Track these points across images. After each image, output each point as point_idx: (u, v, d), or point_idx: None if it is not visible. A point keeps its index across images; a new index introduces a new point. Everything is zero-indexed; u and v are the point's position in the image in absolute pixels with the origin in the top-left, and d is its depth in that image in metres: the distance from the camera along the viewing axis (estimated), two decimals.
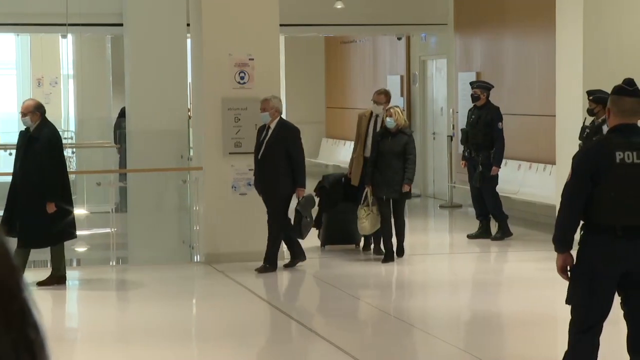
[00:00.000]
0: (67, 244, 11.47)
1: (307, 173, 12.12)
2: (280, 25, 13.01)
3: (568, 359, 6.30)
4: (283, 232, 11.85)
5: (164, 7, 15.69)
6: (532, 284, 11.13)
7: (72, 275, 12.25)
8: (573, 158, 6.33)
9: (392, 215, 12.45)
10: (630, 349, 6.28)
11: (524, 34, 16.44)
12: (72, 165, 20.78)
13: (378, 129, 12.73)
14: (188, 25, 14.24)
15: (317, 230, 13.44)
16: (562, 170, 11.54)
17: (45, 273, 11.34)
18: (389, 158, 12.28)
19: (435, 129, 19.61)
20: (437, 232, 16.78)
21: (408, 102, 20.15)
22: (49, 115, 11.59)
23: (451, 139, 18.18)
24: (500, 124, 14.06)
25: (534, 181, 15.71)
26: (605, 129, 9.40)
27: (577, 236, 6.27)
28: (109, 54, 21.49)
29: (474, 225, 14.45)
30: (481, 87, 14.38)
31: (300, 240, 12.16)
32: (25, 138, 11.04)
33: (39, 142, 10.85)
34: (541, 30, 15.66)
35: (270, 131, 11.74)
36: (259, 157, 11.74)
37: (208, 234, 12.68)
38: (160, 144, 15.56)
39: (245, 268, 11.91)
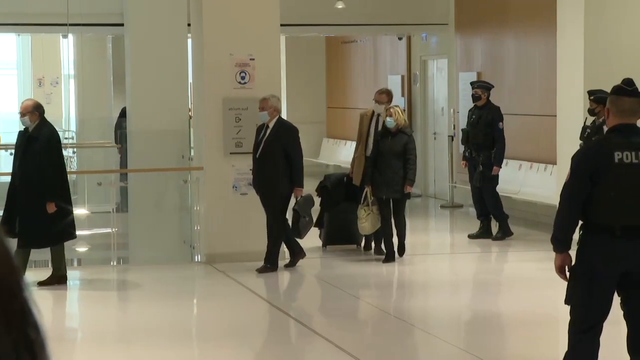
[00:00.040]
0: (67, 244, 11.48)
1: (308, 173, 12.14)
2: (281, 25, 13.01)
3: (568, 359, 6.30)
4: (284, 232, 11.85)
5: (164, 7, 15.69)
6: (533, 284, 11.13)
7: (73, 275, 12.26)
8: (572, 158, 6.33)
9: (392, 215, 12.44)
10: (630, 349, 6.28)
11: (524, 34, 16.43)
12: (73, 165, 20.79)
13: (380, 128, 12.72)
14: (189, 25, 14.25)
15: (319, 230, 13.44)
16: (563, 170, 11.53)
17: (46, 273, 11.34)
18: (388, 158, 12.28)
19: (436, 129, 19.61)
20: (438, 232, 16.78)
21: (409, 102, 20.14)
22: (50, 115, 11.59)
23: (452, 139, 18.18)
24: (501, 123, 14.06)
25: (535, 181, 15.70)
26: (606, 129, 9.39)
27: (576, 236, 6.27)
28: (110, 54, 21.48)
29: (475, 225, 14.45)
30: (482, 87, 14.38)
31: (300, 240, 12.16)
32: (24, 138, 11.04)
33: (38, 142, 10.85)
34: (542, 30, 15.65)
35: (268, 130, 11.74)
36: (257, 156, 11.74)
37: (209, 234, 12.68)
38: (161, 144, 15.56)
39: (246, 268, 11.91)
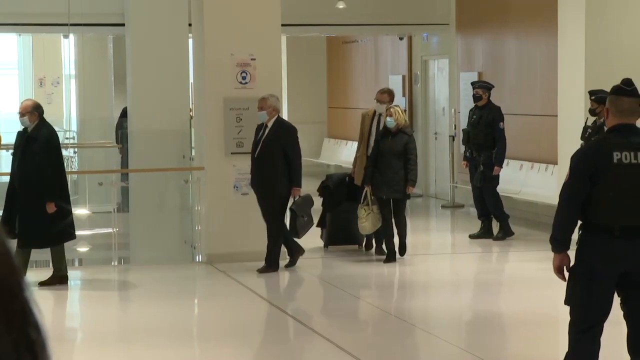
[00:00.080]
0: (68, 244, 11.48)
1: (308, 173, 12.14)
2: (282, 25, 13.02)
3: None
4: (282, 232, 11.84)
5: (165, 7, 15.69)
6: (534, 284, 11.13)
7: (74, 275, 12.26)
8: (571, 158, 6.33)
9: (392, 215, 12.44)
10: (631, 349, 6.28)
11: (525, 34, 16.43)
12: (74, 165, 20.79)
13: (381, 128, 12.72)
14: (190, 25, 14.25)
15: (321, 230, 13.44)
16: (564, 171, 11.51)
17: (47, 273, 11.34)
18: (389, 158, 12.27)
19: (437, 129, 19.61)
20: (438, 232, 16.78)
21: (410, 102, 20.14)
22: (51, 115, 11.60)
23: (453, 139, 18.18)
24: (501, 123, 14.07)
25: (536, 181, 15.70)
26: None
27: (575, 236, 6.27)
28: (111, 54, 21.48)
29: (476, 225, 14.45)
30: (483, 87, 14.38)
31: (302, 241, 12.15)
32: (24, 138, 11.04)
33: (37, 142, 10.85)
34: (543, 30, 15.65)
35: (267, 130, 11.74)
36: (256, 155, 11.74)
37: (210, 234, 12.68)
38: (162, 144, 15.56)
39: (247, 268, 11.91)
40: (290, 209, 11.81)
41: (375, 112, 13.01)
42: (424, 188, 19.47)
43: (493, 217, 14.20)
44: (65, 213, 11.00)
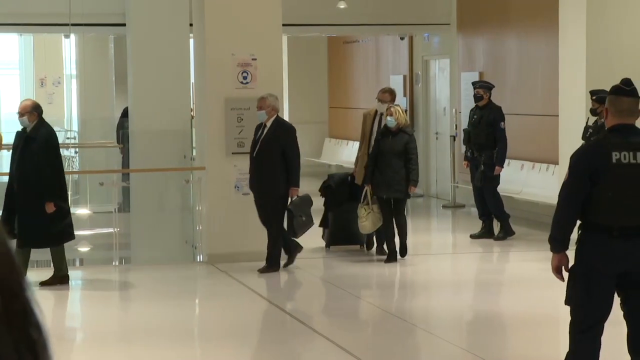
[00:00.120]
0: (69, 243, 11.47)
1: (310, 173, 12.13)
2: (283, 25, 13.02)
3: None
4: (281, 232, 11.82)
5: (166, 7, 15.69)
6: (535, 284, 11.12)
7: (75, 275, 12.26)
8: (570, 158, 6.33)
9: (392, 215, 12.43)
10: (631, 349, 6.28)
11: (526, 34, 16.43)
12: (75, 165, 20.79)
13: (382, 127, 12.71)
14: (191, 25, 14.25)
15: (323, 230, 13.43)
16: (565, 170, 11.52)
17: (48, 273, 11.34)
18: (389, 157, 12.26)
19: (438, 129, 19.61)
20: (439, 232, 16.78)
21: (411, 102, 20.14)
22: (52, 116, 11.61)
23: (454, 139, 18.18)
24: (502, 123, 14.07)
25: (537, 181, 15.70)
26: None
27: (574, 236, 6.26)
28: (112, 54, 21.49)
29: (477, 225, 14.45)
30: (483, 87, 14.39)
31: (304, 241, 12.14)
32: (22, 138, 11.04)
33: (36, 142, 10.85)
34: (544, 30, 15.65)
35: (266, 129, 11.73)
36: (254, 155, 11.74)
37: (211, 234, 12.68)
38: (162, 144, 15.57)
39: (248, 268, 11.91)
40: (287, 208, 11.78)
41: (376, 111, 13.00)
42: (425, 188, 19.47)
43: (494, 217, 14.21)
44: (64, 213, 11.00)
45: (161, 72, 15.54)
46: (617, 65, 12.45)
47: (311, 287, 11.95)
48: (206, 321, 10.29)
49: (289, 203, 11.79)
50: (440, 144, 19.46)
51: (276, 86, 12.61)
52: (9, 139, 21.29)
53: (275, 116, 11.77)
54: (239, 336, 9.27)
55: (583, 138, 11.84)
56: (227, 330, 9.47)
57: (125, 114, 18.16)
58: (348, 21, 18.61)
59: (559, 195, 6.25)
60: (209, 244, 12.70)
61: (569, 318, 6.28)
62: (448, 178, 18.47)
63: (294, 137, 11.84)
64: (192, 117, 15.46)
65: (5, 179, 11.55)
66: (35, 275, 11.38)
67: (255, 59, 12.59)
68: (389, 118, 12.33)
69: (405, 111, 12.90)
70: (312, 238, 12.78)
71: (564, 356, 6.36)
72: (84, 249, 14.82)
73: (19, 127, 11.38)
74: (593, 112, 12.04)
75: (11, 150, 11.32)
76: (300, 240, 12.11)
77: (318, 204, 13.45)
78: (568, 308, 6.24)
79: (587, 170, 6.08)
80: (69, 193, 17.71)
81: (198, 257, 13.42)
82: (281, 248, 11.94)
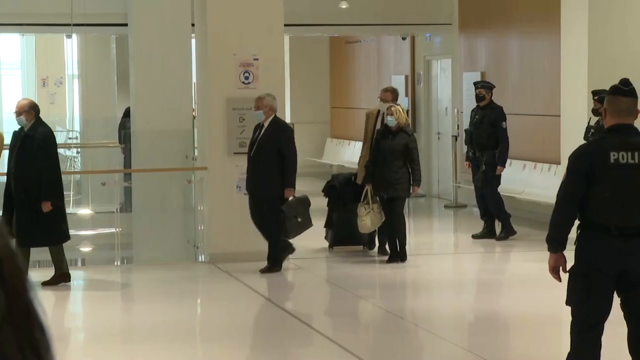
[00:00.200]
0: (71, 243, 11.48)
1: (311, 173, 12.11)
2: (285, 25, 13.02)
3: None
4: (279, 231, 11.76)
5: (168, 7, 15.69)
6: (537, 284, 11.11)
7: (77, 275, 12.27)
8: (569, 158, 6.33)
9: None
10: (632, 350, 6.28)
11: (528, 34, 16.43)
12: (77, 165, 20.80)
13: (381, 126, 12.70)
14: (193, 25, 14.25)
15: (326, 231, 13.41)
16: None
17: (50, 273, 11.35)
18: (389, 157, 12.25)
19: (439, 129, 19.61)
20: (441, 232, 16.78)
21: (412, 102, 20.15)
22: (54, 116, 11.62)
23: (456, 139, 18.18)
24: (504, 123, 14.07)
25: (539, 181, 15.70)
26: None
27: (573, 236, 6.26)
28: (114, 54, 21.50)
29: (479, 226, 14.45)
30: (485, 87, 14.39)
31: (306, 242, 12.13)
32: (20, 137, 11.04)
33: (34, 141, 10.85)
34: (546, 30, 15.65)
35: (263, 130, 11.72)
36: (251, 155, 11.73)
37: (212, 234, 12.69)
38: (164, 144, 15.57)
39: (250, 268, 11.91)
40: (280, 209, 11.70)
41: (379, 111, 13.01)
42: (427, 188, 19.46)
43: (495, 217, 14.21)
44: (61, 212, 10.99)
45: (163, 72, 15.54)
46: (619, 65, 12.45)
47: (313, 288, 11.95)
48: (208, 321, 10.29)
49: (284, 204, 11.74)
50: (442, 144, 19.46)
51: (278, 86, 12.61)
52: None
53: (273, 116, 11.75)
54: (240, 336, 9.27)
55: (585, 138, 11.84)
56: (228, 330, 9.47)
57: (127, 114, 18.17)
58: (350, 21, 18.62)
59: (557, 195, 6.25)
60: (210, 243, 12.71)
61: (570, 318, 6.28)
62: (450, 178, 18.48)
63: (291, 137, 11.82)
64: (194, 117, 15.47)
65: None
66: (37, 275, 11.38)
67: (257, 59, 12.59)
68: (389, 117, 12.33)
69: (407, 111, 12.90)
70: (315, 239, 12.77)
71: (565, 356, 6.36)
72: (86, 249, 14.82)
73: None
74: (595, 112, 12.04)
75: (8, 150, 11.30)
76: (301, 241, 12.10)
77: (321, 204, 13.45)
78: (569, 308, 6.24)
79: (585, 170, 6.08)
80: (71, 193, 17.77)
81: (200, 257, 13.42)
82: (288, 246, 11.91)
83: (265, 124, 11.71)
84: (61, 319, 10.32)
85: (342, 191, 13.24)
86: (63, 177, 11.34)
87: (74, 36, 20.22)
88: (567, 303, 6.20)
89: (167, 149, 15.52)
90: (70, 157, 21.67)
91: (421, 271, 12.36)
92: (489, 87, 14.41)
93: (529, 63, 16.40)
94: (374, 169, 12.34)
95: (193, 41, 14.95)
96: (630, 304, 6.17)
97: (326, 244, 13.43)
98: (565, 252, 6.22)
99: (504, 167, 14.12)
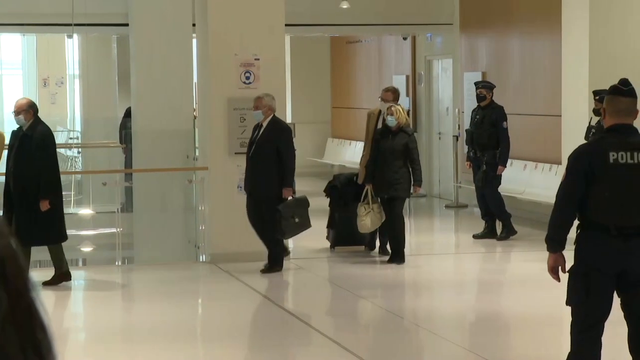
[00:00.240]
0: (71, 243, 11.47)
1: (312, 173, 12.11)
2: (286, 25, 13.02)
3: None
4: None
5: (169, 7, 15.69)
6: (538, 284, 11.11)
7: (78, 275, 12.27)
8: (568, 157, 6.33)
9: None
10: (633, 350, 6.28)
11: (529, 34, 16.43)
12: (77, 165, 20.80)
13: (381, 126, 12.70)
14: (194, 25, 14.25)
15: (328, 231, 13.41)
16: None
17: (51, 273, 11.35)
18: (389, 157, 12.25)
19: (440, 129, 19.61)
20: (442, 232, 16.78)
21: (413, 102, 20.15)
22: (55, 115, 11.63)
23: (457, 139, 18.18)
24: (504, 123, 14.08)
25: (540, 181, 15.70)
26: None
27: (572, 236, 6.26)
28: (115, 54, 21.51)
29: (480, 225, 14.45)
30: (486, 87, 14.40)
31: (307, 241, 12.13)
32: (18, 137, 11.04)
33: (32, 140, 10.85)
34: (547, 30, 15.65)
35: (262, 129, 11.72)
36: (250, 155, 11.73)
37: (213, 234, 12.69)
38: (165, 144, 15.57)
39: (251, 268, 11.91)
40: (276, 209, 11.68)
41: (380, 111, 13.01)
42: (428, 188, 19.46)
43: (495, 216, 14.21)
44: (59, 212, 10.99)
45: (164, 72, 15.54)
46: (620, 64, 12.45)
47: (313, 287, 11.95)
48: (209, 321, 10.30)
49: (280, 204, 11.70)
50: (442, 144, 19.46)
51: (279, 86, 12.61)
52: None
53: (271, 116, 11.75)
54: (241, 336, 9.28)
55: (586, 138, 11.84)
56: (229, 330, 9.47)
57: (128, 113, 18.17)
58: (351, 21, 18.62)
59: (556, 195, 6.26)
60: (211, 243, 12.71)
61: (570, 318, 6.28)
62: (451, 178, 18.48)
63: (290, 137, 11.82)
64: (195, 117, 15.47)
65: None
66: (38, 275, 11.38)
67: (258, 59, 12.59)
68: (389, 117, 12.33)
69: (408, 111, 12.90)
70: (317, 239, 12.77)
71: (565, 356, 6.36)
72: (86, 248, 14.83)
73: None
74: (596, 112, 12.04)
75: (7, 149, 11.30)
76: (302, 241, 12.11)
77: (322, 204, 13.45)
78: (569, 308, 6.25)
79: (584, 170, 6.08)
80: (72, 193, 17.78)
81: (201, 257, 13.42)
82: (282, 247, 11.92)
83: (264, 124, 11.71)
84: (62, 319, 10.32)
85: (344, 191, 13.23)
86: (64, 177, 11.35)
87: (75, 36, 20.22)
88: (567, 303, 6.20)
89: (168, 149, 15.52)
90: (71, 157, 21.68)
91: (422, 271, 12.36)
92: (490, 87, 14.41)
93: (530, 63, 16.40)
94: (374, 169, 12.34)
95: (194, 41, 14.95)
96: (630, 304, 6.18)
97: (327, 244, 13.44)
98: (565, 252, 6.23)
99: (505, 167, 14.12)
